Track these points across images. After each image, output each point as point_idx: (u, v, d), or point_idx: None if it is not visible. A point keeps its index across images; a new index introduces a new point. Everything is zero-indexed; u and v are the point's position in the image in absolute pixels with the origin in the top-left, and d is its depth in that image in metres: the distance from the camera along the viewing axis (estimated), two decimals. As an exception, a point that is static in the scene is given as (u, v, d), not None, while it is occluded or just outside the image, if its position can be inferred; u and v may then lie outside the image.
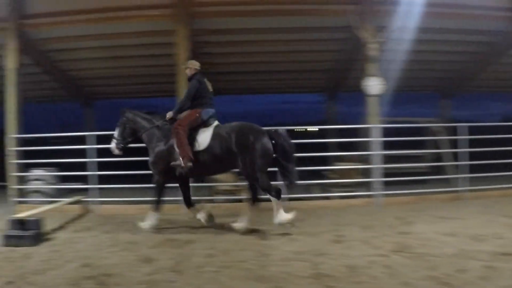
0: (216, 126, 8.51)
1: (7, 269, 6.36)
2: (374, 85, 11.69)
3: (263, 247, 7.26)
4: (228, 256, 6.79)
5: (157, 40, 13.40)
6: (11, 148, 11.86)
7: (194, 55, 12.67)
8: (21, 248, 7.57)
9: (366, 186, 11.68)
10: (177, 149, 8.28)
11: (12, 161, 11.85)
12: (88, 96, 19.00)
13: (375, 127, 11.42)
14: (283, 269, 6.02)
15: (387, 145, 11.64)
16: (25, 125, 12.24)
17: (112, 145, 9.08)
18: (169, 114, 8.70)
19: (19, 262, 6.72)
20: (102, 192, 11.57)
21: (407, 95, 19.86)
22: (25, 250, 7.45)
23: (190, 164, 8.20)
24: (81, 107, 19.75)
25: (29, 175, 12.30)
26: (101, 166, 14.50)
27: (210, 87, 8.86)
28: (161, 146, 8.65)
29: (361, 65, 12.34)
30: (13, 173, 11.87)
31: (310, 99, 26.06)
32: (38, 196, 12.00)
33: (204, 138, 8.34)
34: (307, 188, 12.37)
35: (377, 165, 11.31)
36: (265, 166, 8.07)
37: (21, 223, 8.14)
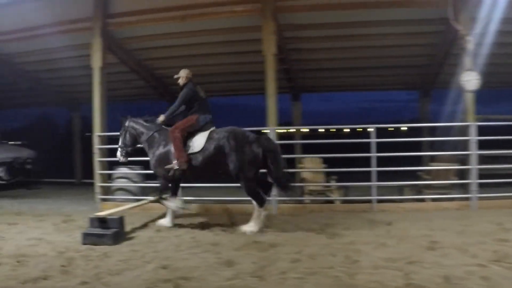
0: (212, 131, 8.91)
1: (83, 269, 6.22)
2: (470, 80, 10.89)
3: (353, 252, 6.73)
4: (314, 262, 6.32)
5: (243, 37, 13.11)
6: (98, 146, 11.93)
7: (281, 51, 12.34)
8: (101, 246, 7.45)
9: (462, 188, 10.94)
10: (173, 151, 8.79)
11: (98, 159, 11.92)
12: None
13: (472, 125, 10.61)
14: (372, 277, 5.51)
15: (484, 145, 10.89)
16: (113, 124, 12.30)
17: (117, 153, 9.74)
18: (161, 118, 9.33)
19: (97, 262, 6.58)
20: (190, 191, 11.48)
21: (500, 91, 18.73)
22: (104, 249, 7.31)
23: (184, 166, 8.66)
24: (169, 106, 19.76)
25: (115, 173, 12.33)
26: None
27: (202, 93, 9.33)
28: (160, 149, 9.11)
29: (455, 60, 11.56)
30: (99, 171, 11.93)
31: (402, 97, 25.32)
32: (123, 194, 11.99)
33: (199, 141, 8.76)
34: (399, 190, 11.72)
35: (473, 166, 10.50)
36: (251, 171, 8.43)
37: (102, 221, 8.06)
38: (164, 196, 9.28)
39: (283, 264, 6.22)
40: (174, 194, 9.42)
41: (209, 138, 8.72)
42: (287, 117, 18.91)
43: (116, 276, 5.88)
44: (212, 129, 8.99)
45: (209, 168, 8.74)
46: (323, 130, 35.96)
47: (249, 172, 8.41)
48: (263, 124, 11.12)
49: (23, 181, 16.90)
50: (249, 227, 8.37)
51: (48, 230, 8.97)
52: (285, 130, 17.11)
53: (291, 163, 11.95)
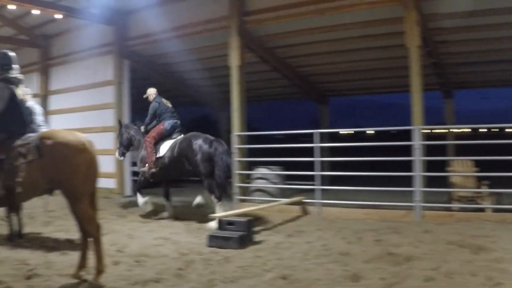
0: (177, 138, 10.53)
1: (199, 273, 5.99)
2: None
3: (497, 272, 5.73)
4: (450, 282, 5.47)
5: (384, 30, 12.24)
6: (236, 146, 11.81)
7: (427, 44, 11.41)
8: (224, 250, 7.20)
9: None
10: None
11: (237, 159, 11.79)
12: (321, 93, 18.54)
13: None
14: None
15: None
16: (257, 123, 12.12)
17: (116, 152, 11.72)
18: (142, 128, 11.14)
19: (215, 267, 6.32)
20: (327, 193, 10.94)
21: None
22: (228, 253, 7.05)
23: (153, 169, 10.42)
24: (315, 105, 19.38)
25: (253, 173, 12.13)
26: (331, 165, 13.99)
27: (168, 103, 11.13)
28: (142, 152, 10.82)
29: None
30: (237, 171, 11.80)
31: None
32: (261, 195, 11.76)
33: (164, 147, 10.41)
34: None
35: None
36: (206, 169, 9.83)
37: (230, 224, 7.80)
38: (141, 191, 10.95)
39: (415, 282, 5.47)
40: (165, 193, 11.07)
41: (171, 144, 10.37)
42: (439, 116, 17.66)
43: (230, 284, 5.55)
44: (178, 136, 10.65)
45: (174, 170, 10.44)
46: (482, 130, 33.67)
47: (205, 171, 9.83)
48: (409, 123, 10.22)
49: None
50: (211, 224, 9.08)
51: (179, 230, 8.95)
52: (430, 131, 15.92)
53: (440, 165, 10.93)
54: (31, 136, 5.63)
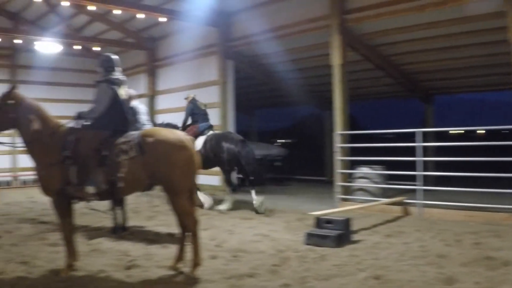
0: (208, 135, 11.97)
1: (293, 270, 6.08)
2: None
3: None
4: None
5: (487, 25, 11.68)
6: (338, 144, 11.77)
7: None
8: (321, 248, 7.23)
9: None
10: None
11: (339, 158, 11.75)
12: (425, 91, 18.03)
13: None
14: None
15: None
16: (361, 122, 12.05)
17: None
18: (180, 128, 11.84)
19: (310, 264, 6.39)
20: (430, 194, 10.66)
21: None
22: (324, 251, 7.09)
23: None
24: (420, 103, 18.88)
25: (355, 172, 12.04)
26: (437, 165, 13.64)
27: (202, 106, 12.51)
28: None
29: None
30: (339, 170, 11.76)
31: None
32: (363, 195, 11.64)
33: (198, 143, 11.32)
34: None
35: None
36: (230, 166, 11.53)
37: (328, 222, 7.82)
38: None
39: (507, 288, 5.28)
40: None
41: (204, 141, 11.75)
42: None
43: (322, 281, 5.60)
44: (209, 133, 12.11)
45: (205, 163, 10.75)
46: None
47: (228, 167, 11.61)
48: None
49: (272, 178, 17.55)
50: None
51: (278, 227, 9.06)
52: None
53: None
54: (133, 134, 5.97)
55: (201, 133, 12.00)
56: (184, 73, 16.86)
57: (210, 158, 11.44)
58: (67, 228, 6.07)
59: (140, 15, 14.23)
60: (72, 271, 5.98)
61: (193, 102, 12.40)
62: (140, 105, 8.75)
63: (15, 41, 17.81)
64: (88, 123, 6.11)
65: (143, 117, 8.36)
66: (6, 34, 17.31)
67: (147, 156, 5.64)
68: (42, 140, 5.96)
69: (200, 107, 12.36)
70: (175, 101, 16.77)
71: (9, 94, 6.07)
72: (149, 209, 11.00)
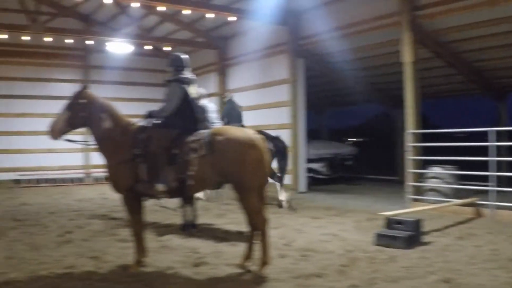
0: None
1: (362, 271, 6.01)
2: None
3: None
4: None
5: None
6: (410, 143, 11.58)
7: None
8: (391, 249, 7.13)
9: None
10: None
11: (410, 157, 11.56)
12: (499, 89, 17.43)
13: None
14: None
15: None
16: (435, 120, 11.82)
17: None
18: None
19: (379, 265, 6.30)
20: (502, 195, 10.27)
21: None
22: (393, 252, 6.98)
23: None
24: (493, 101, 18.31)
25: (426, 172, 11.81)
26: (509, 166, 13.24)
27: (238, 108, 12.47)
28: None
29: None
30: (410, 169, 11.57)
31: None
32: (434, 195, 11.41)
33: None
34: None
35: None
36: None
37: (398, 223, 7.72)
38: None
39: None
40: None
41: None
42: None
43: (391, 283, 5.51)
44: None
45: None
46: None
47: None
48: None
49: (343, 177, 17.46)
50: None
51: (347, 227, 8.99)
52: None
53: None
54: (203, 132, 6.04)
55: None
56: (253, 72, 16.97)
57: None
58: (137, 224, 6.23)
59: (210, 15, 14.43)
60: (141, 267, 6.14)
61: (230, 103, 12.62)
62: (209, 104, 8.90)
63: (87, 42, 18.52)
64: (159, 121, 6.23)
65: (213, 115, 8.49)
66: (78, 35, 17.96)
67: (216, 154, 5.70)
68: (113, 138, 6.15)
69: (236, 108, 12.51)
70: (245, 100, 16.95)
71: (81, 93, 6.29)
72: (219, 207, 11.17)
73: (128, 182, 6.02)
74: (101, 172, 18.19)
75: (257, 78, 16.76)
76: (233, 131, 5.99)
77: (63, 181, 18.76)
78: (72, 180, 18.87)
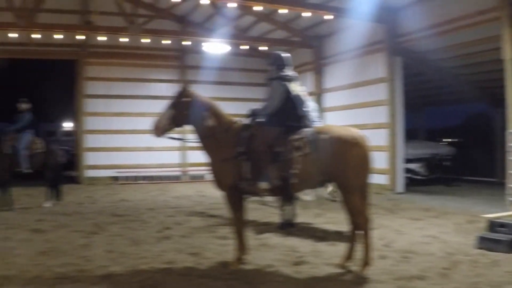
0: None
1: (464, 275, 5.81)
2: None
3: None
4: None
5: None
6: (511, 144, 11.07)
7: None
8: (493, 253, 6.84)
9: None
10: None
11: (511, 158, 11.06)
12: None
13: None
14: None
15: None
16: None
17: None
18: None
19: (482, 269, 6.07)
20: None
21: None
22: (496, 256, 6.69)
23: None
24: None
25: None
26: None
27: None
28: None
29: None
30: (511, 171, 11.06)
31: None
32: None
33: None
34: None
35: None
36: None
37: (501, 226, 7.39)
38: None
39: None
40: None
41: None
42: None
43: (494, 288, 5.30)
44: None
45: None
46: None
47: None
48: None
49: (441, 178, 16.97)
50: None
51: (447, 229, 8.71)
52: None
53: None
54: (306, 130, 6.03)
55: None
56: (350, 71, 16.76)
57: None
58: (239, 222, 6.29)
59: (306, 14, 14.40)
60: (241, 264, 6.19)
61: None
62: (310, 102, 8.87)
63: (184, 43, 18.96)
64: (262, 119, 6.28)
65: (313, 114, 8.44)
66: (175, 36, 18.46)
67: (320, 153, 5.68)
68: (217, 136, 6.24)
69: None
70: (342, 99, 16.81)
71: (184, 92, 6.45)
72: (317, 206, 11.12)
73: (232, 180, 6.11)
74: (198, 170, 18.66)
75: (353, 77, 16.56)
76: (337, 129, 5.95)
77: (160, 178, 19.33)
78: (169, 178, 19.35)
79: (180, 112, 6.36)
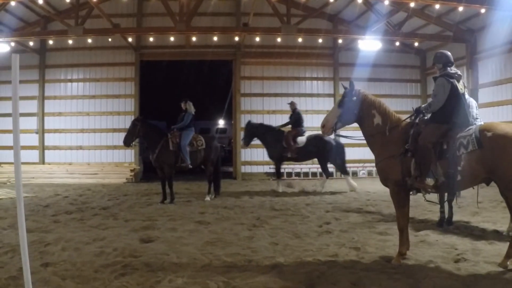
0: (308, 135, 15.39)
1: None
2: None
3: None
4: None
5: None
6: None
7: None
8: None
9: None
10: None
11: None
12: None
13: None
14: None
15: None
16: None
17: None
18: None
19: None
20: None
21: None
22: None
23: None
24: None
25: None
26: None
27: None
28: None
29: None
30: None
31: None
32: None
33: (301, 141, 15.09)
34: None
35: None
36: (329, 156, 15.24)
37: None
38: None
39: None
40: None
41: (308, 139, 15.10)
42: None
43: None
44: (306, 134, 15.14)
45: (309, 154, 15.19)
46: None
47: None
48: None
49: None
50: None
51: None
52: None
53: None
54: (471, 127, 5.97)
55: (301, 134, 15.14)
56: (506, 65, 16.06)
57: (312, 152, 14.99)
58: (403, 217, 6.36)
59: (460, 8, 13.99)
60: (403, 259, 6.25)
61: (297, 108, 15.76)
62: (471, 99, 8.67)
63: (337, 40, 19.11)
64: (428, 117, 6.34)
65: (475, 110, 8.25)
66: (328, 35, 18.68)
67: (485, 150, 5.61)
68: (384, 134, 6.38)
69: (300, 115, 15.48)
70: (499, 94, 16.10)
71: (353, 92, 6.65)
72: (474, 204, 10.80)
73: (398, 176, 6.22)
74: (351, 167, 18.75)
75: (509, 72, 15.81)
76: (502, 127, 5.78)
77: (314, 174, 19.74)
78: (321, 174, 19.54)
79: (348, 111, 6.58)
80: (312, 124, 17.47)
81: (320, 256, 6.61)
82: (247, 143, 15.74)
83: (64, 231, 8.52)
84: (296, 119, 15.43)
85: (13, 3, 15.62)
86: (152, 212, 10.77)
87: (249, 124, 15.85)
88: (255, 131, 15.54)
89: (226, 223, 9.35)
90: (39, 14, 19.00)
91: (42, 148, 20.10)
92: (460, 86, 6.37)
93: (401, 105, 18.19)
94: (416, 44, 18.83)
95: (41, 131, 20.04)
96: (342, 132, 7.03)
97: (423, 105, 6.43)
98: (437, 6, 14.25)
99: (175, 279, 5.57)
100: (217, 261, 6.43)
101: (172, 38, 17.98)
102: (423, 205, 9.27)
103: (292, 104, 15.97)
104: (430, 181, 5.97)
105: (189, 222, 9.50)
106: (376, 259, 6.45)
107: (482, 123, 7.26)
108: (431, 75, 15.11)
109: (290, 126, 15.50)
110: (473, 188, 6.68)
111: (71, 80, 20.44)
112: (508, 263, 5.80)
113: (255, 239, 7.86)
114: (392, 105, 6.96)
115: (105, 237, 8.01)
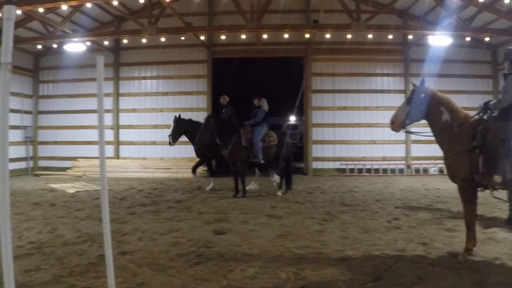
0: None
1: None
2: None
3: None
4: None
5: None
6: None
7: None
8: None
9: None
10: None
11: None
12: None
13: None
14: None
15: None
16: None
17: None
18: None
19: None
20: None
21: None
22: None
23: None
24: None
25: None
26: None
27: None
28: None
29: None
30: None
31: None
32: None
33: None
34: None
35: None
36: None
37: None
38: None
39: None
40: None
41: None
42: None
43: None
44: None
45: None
46: None
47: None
48: None
49: None
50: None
51: None
52: None
53: None
54: None
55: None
56: None
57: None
58: (471, 214, 6.40)
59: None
60: (470, 256, 6.29)
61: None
62: None
63: (407, 36, 18.97)
64: (496, 114, 6.33)
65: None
66: (398, 31, 18.57)
67: None
68: (452, 130, 6.43)
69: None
70: None
71: (421, 88, 6.71)
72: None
73: (466, 172, 6.26)
74: (421, 164, 18.62)
75: None
76: None
77: (384, 171, 19.62)
78: (392, 171, 19.55)
79: (417, 108, 6.66)
80: (384, 120, 17.38)
81: (388, 251, 6.76)
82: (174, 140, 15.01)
83: (139, 222, 9.04)
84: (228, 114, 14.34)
85: (88, 5, 16.25)
86: (225, 206, 11.14)
87: (178, 120, 15.08)
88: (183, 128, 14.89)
89: (297, 217, 9.59)
90: (113, 14, 19.77)
91: (117, 143, 20.87)
92: None
93: (471, 101, 17.76)
94: (486, 39, 18.38)
95: (116, 127, 20.82)
96: (411, 128, 7.12)
97: (491, 102, 6.40)
98: (506, 1, 13.86)
99: (247, 269, 5.88)
100: (287, 253, 6.70)
101: (243, 36, 18.32)
102: (492, 202, 9.17)
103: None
104: (497, 178, 5.98)
105: (260, 215, 9.81)
106: (443, 254, 6.54)
107: None
108: (502, 70, 14.85)
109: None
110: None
111: (144, 78, 21.09)
112: None
113: (325, 233, 8.08)
114: (463, 102, 6.96)
115: (180, 228, 8.44)
